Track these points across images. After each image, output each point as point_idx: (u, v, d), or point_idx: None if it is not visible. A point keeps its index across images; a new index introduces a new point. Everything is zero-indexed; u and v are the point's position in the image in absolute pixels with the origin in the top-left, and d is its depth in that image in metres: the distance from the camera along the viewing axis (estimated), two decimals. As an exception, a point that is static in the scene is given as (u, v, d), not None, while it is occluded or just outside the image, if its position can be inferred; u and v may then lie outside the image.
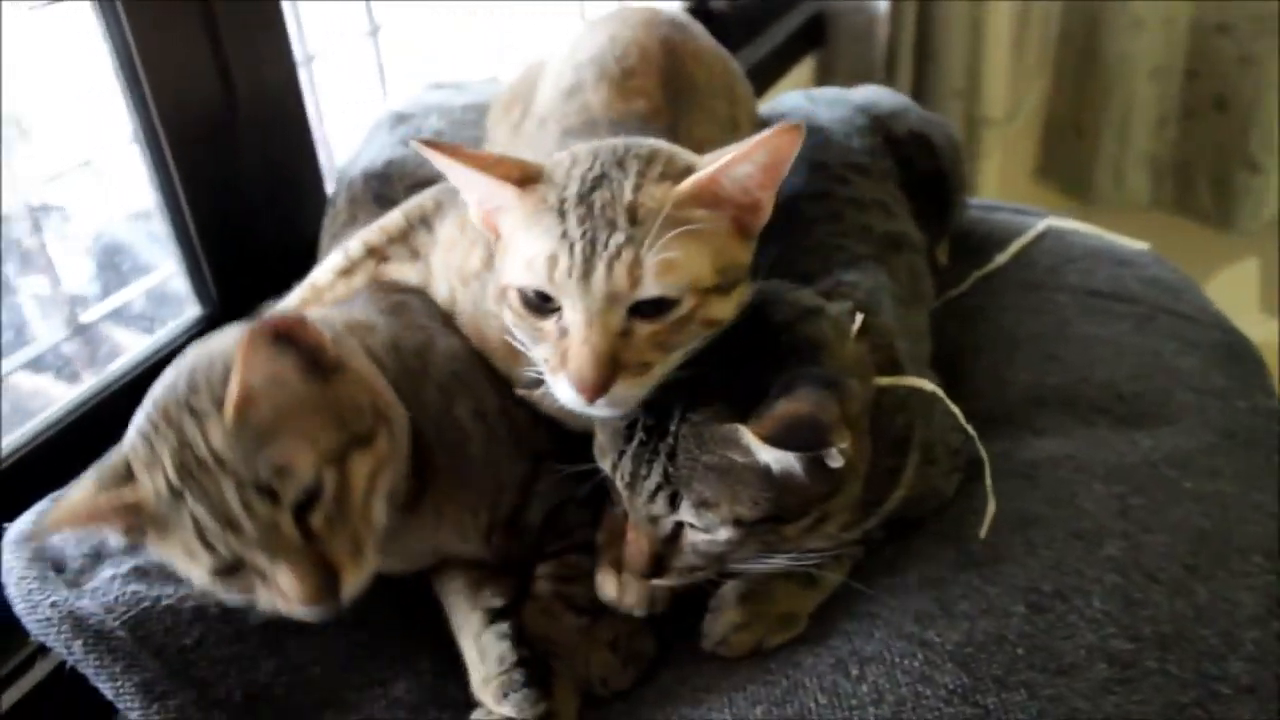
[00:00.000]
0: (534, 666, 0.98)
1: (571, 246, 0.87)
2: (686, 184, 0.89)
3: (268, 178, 1.42)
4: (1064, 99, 3.21)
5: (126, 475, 0.90)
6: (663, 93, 1.18)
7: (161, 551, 0.91)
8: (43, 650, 1.09)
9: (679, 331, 0.89)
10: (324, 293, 1.19)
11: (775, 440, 0.82)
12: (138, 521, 0.90)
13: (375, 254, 1.19)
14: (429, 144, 0.94)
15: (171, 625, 0.98)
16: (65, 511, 0.89)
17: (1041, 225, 1.49)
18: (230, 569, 0.90)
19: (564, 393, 0.89)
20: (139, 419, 0.92)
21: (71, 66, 1.35)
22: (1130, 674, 0.91)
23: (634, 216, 0.87)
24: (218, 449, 0.87)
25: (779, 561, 0.97)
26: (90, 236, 1.62)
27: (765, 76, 2.28)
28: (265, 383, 0.89)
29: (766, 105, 1.45)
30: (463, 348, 1.11)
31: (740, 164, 0.88)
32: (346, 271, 1.19)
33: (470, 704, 1.01)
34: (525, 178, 0.93)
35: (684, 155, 0.95)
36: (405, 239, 1.19)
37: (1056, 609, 0.96)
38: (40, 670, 1.10)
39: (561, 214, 0.89)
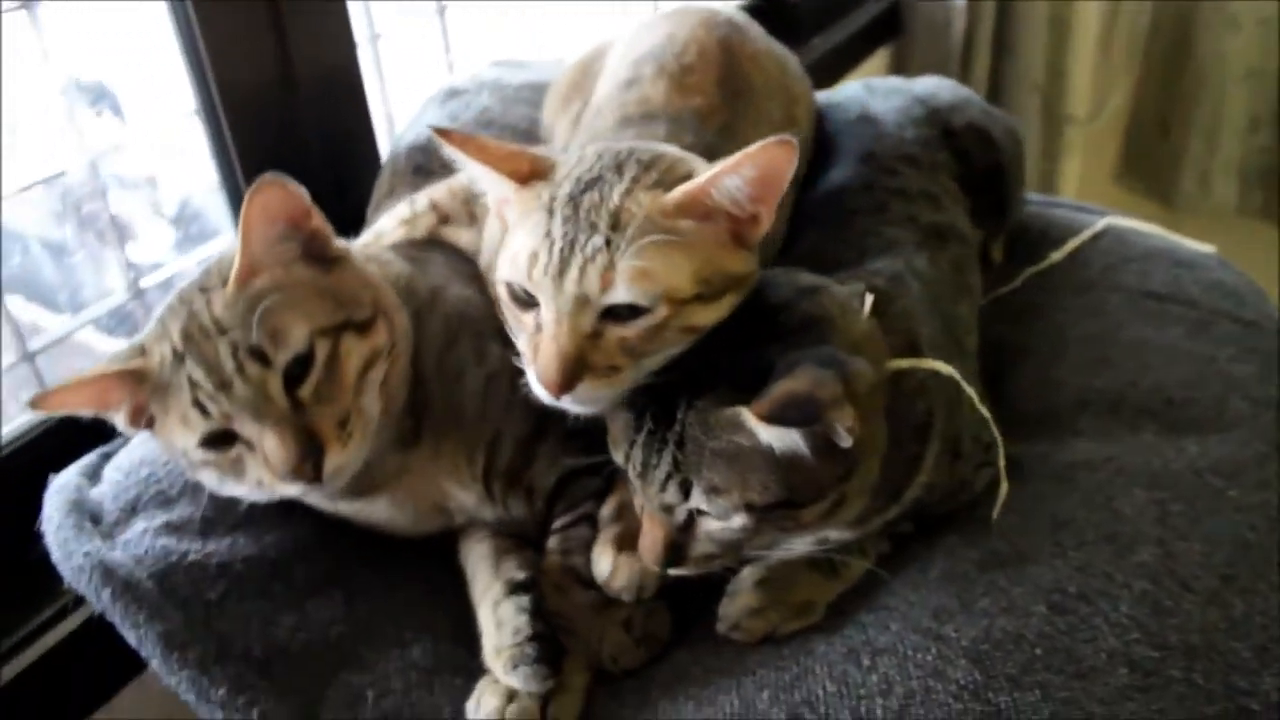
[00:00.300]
0: (548, 643, 0.99)
1: (552, 245, 0.89)
2: (673, 194, 0.90)
3: (324, 154, 1.45)
4: (1151, 98, 3.11)
5: (140, 353, 0.97)
6: (719, 91, 1.18)
7: (165, 433, 0.97)
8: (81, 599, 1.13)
9: (652, 339, 0.89)
10: (385, 239, 1.23)
11: (772, 418, 0.81)
12: (145, 400, 0.96)
13: (437, 210, 1.23)
14: (441, 132, 0.96)
15: (197, 579, 1.02)
16: (76, 380, 0.95)
17: (1100, 224, 1.45)
18: (219, 438, 0.95)
19: (534, 385, 0.91)
20: (160, 308, 0.99)
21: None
22: (1152, 682, 0.88)
23: (616, 222, 0.88)
24: (218, 315, 0.94)
25: (798, 548, 0.97)
26: (175, 205, 1.68)
27: (837, 67, 2.25)
28: (268, 256, 0.97)
29: (824, 94, 1.44)
30: (479, 300, 1.14)
31: (727, 177, 0.88)
32: (409, 222, 1.22)
33: (485, 673, 1.02)
34: (533, 173, 0.95)
35: (688, 164, 0.95)
36: (467, 203, 1.22)
37: (1080, 611, 0.93)
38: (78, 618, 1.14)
39: (550, 212, 0.91)
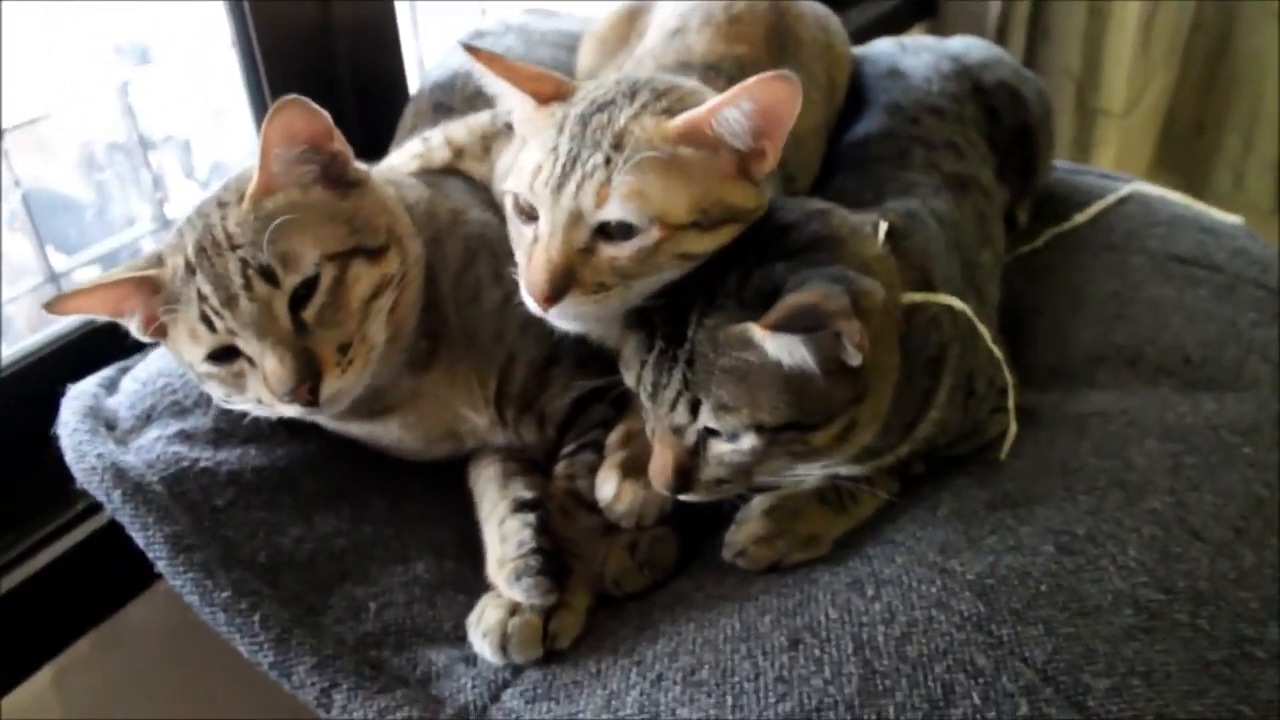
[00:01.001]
0: (552, 558, 0.98)
1: (556, 160, 0.90)
2: (675, 120, 0.90)
3: (356, 96, 1.46)
4: (1189, 92, 3.08)
5: (157, 263, 0.98)
6: (765, 43, 1.19)
7: (175, 343, 0.98)
8: (94, 508, 1.14)
9: (643, 261, 0.89)
10: (398, 171, 1.23)
11: (779, 326, 0.81)
12: (157, 308, 0.97)
13: (452, 144, 1.23)
14: (471, 49, 0.97)
15: (206, 485, 1.03)
16: (92, 284, 0.96)
17: (1126, 189, 1.44)
18: (224, 353, 0.96)
19: (525, 297, 0.92)
20: (181, 219, 1.00)
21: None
22: (1156, 624, 0.88)
23: (618, 142, 0.89)
24: (231, 230, 0.95)
25: (808, 480, 0.96)
26: (206, 168, 1.69)
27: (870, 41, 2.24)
28: (286, 175, 0.97)
29: (856, 50, 1.43)
30: (497, 223, 1.14)
31: (725, 108, 0.88)
32: (422, 155, 1.23)
33: (488, 590, 1.02)
34: (555, 95, 0.96)
35: (700, 95, 0.95)
36: (485, 138, 1.22)
37: (1088, 552, 0.93)
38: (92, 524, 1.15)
39: (560, 129, 0.92)
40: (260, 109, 1.40)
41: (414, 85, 1.55)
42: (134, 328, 1.00)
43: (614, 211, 0.88)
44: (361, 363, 0.98)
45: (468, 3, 1.72)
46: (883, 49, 1.42)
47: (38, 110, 1.29)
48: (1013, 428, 1.06)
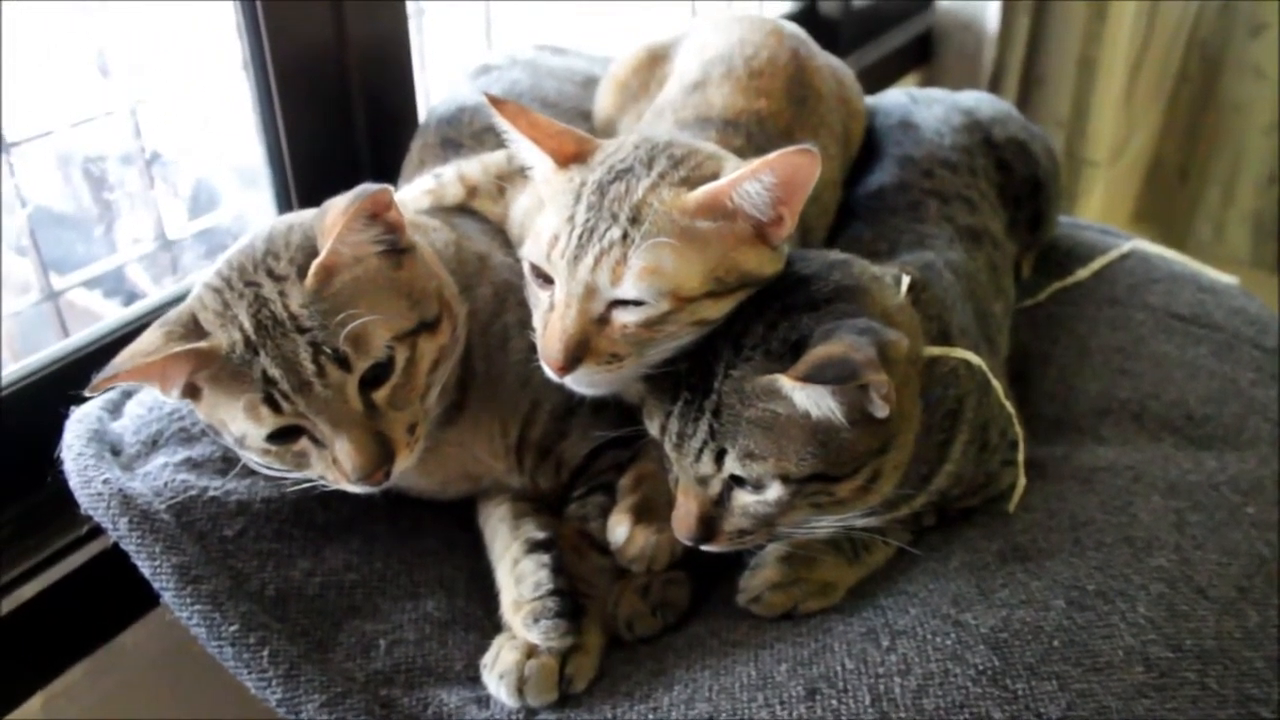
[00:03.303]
0: (569, 599, 0.98)
1: (573, 230, 0.91)
2: (694, 194, 0.91)
3: (369, 119, 1.45)
4: (1172, 143, 3.14)
5: (195, 328, 0.93)
6: (786, 97, 1.20)
7: (216, 411, 0.94)
8: (94, 533, 1.12)
9: (656, 330, 0.90)
10: (409, 207, 1.22)
11: (809, 377, 0.82)
12: (200, 376, 0.92)
13: (465, 182, 1.22)
14: (495, 101, 0.97)
15: (215, 515, 1.01)
16: (137, 355, 0.91)
17: (1127, 246, 1.47)
18: (287, 433, 0.92)
19: (541, 362, 0.93)
20: (209, 277, 0.96)
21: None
22: (1167, 682, 0.89)
23: (636, 216, 0.90)
24: (295, 312, 0.91)
25: (825, 526, 0.96)
26: (189, 184, 1.68)
27: (868, 88, 2.25)
28: (349, 254, 0.93)
29: (868, 100, 1.45)
30: (519, 266, 1.13)
31: (748, 181, 0.89)
32: (433, 192, 1.22)
33: (499, 631, 1.02)
34: (576, 155, 0.97)
35: (718, 162, 0.96)
36: (500, 178, 1.22)
37: (1098, 608, 0.94)
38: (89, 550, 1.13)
39: (578, 197, 0.92)
40: (271, 130, 1.39)
41: (421, 112, 1.56)
42: (171, 396, 0.95)
43: (629, 290, 0.89)
44: (422, 435, 0.97)
45: (475, 35, 1.72)
46: (894, 100, 1.43)
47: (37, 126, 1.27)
48: (1022, 480, 1.07)
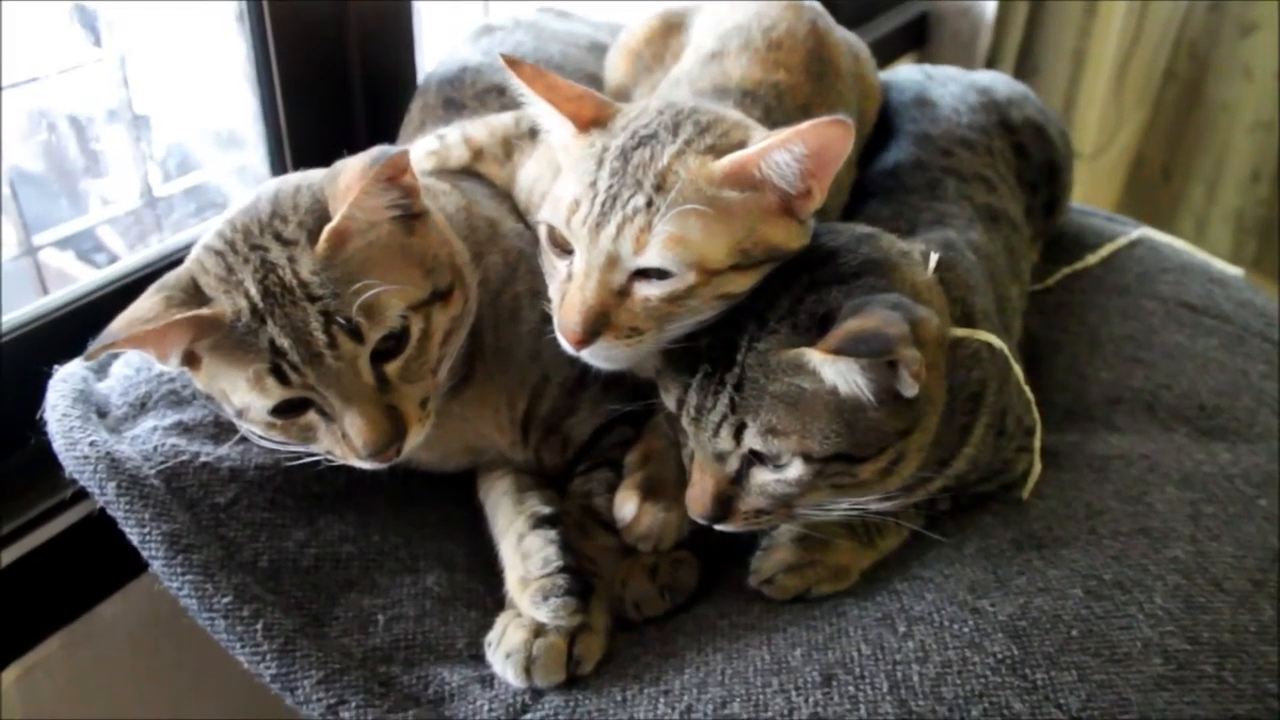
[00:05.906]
0: (578, 576, 0.95)
1: (595, 196, 0.87)
2: (721, 163, 0.87)
3: (366, 87, 1.42)
4: (1156, 140, 3.15)
5: (195, 293, 0.88)
6: (804, 70, 1.17)
7: (217, 381, 0.89)
8: (77, 496, 1.07)
9: (678, 304, 0.87)
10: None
11: (841, 350, 0.79)
12: (201, 345, 0.87)
13: (470, 144, 1.18)
14: (512, 63, 0.93)
15: (207, 482, 0.97)
16: (135, 322, 0.85)
17: (1135, 233, 1.45)
18: (293, 406, 0.88)
19: (558, 334, 0.90)
20: (209, 239, 0.90)
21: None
22: (1185, 674, 0.87)
23: (661, 183, 0.86)
24: (305, 279, 0.85)
25: (842, 509, 0.94)
26: (165, 148, 1.63)
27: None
28: (364, 219, 0.88)
29: (882, 74, 1.42)
30: (530, 235, 1.10)
31: (778, 151, 0.86)
32: (437, 153, 1.18)
33: (501, 608, 0.98)
34: (596, 119, 0.93)
35: (744, 131, 0.93)
36: (506, 141, 1.18)
37: (1116, 598, 0.92)
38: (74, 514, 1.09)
39: (600, 162, 0.89)
40: (269, 99, 1.34)
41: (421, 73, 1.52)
42: (170, 365, 0.90)
43: (653, 259, 0.85)
44: (432, 408, 0.93)
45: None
46: (909, 76, 1.41)
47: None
48: (1037, 467, 1.05)
